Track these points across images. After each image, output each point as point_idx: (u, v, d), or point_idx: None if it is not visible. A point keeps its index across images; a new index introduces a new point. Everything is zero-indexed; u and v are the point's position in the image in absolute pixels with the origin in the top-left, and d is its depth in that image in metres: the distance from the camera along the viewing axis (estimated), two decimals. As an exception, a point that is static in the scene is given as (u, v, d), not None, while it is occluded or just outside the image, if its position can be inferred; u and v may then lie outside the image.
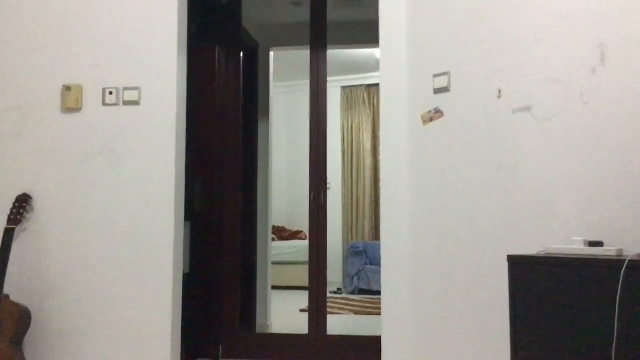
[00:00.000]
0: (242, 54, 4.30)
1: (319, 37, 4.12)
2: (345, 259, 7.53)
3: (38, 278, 3.16)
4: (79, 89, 3.22)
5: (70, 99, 3.21)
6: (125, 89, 3.19)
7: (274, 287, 7.16)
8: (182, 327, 3.27)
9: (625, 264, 1.94)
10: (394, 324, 2.99)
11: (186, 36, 3.32)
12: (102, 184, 3.17)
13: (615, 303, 1.94)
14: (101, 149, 3.19)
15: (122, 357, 3.08)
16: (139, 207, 3.14)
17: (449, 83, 2.90)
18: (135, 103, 3.18)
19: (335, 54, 7.39)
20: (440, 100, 2.93)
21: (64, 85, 3.23)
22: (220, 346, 3.94)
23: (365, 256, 7.36)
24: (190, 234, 3.90)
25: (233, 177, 4.10)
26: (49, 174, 3.21)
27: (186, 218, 3.63)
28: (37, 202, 3.20)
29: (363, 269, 7.24)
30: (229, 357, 3.95)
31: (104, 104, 3.20)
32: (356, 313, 5.90)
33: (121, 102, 3.20)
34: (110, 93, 3.19)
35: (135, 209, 3.14)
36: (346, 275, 7.41)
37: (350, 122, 8.62)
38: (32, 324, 3.11)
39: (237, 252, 4.06)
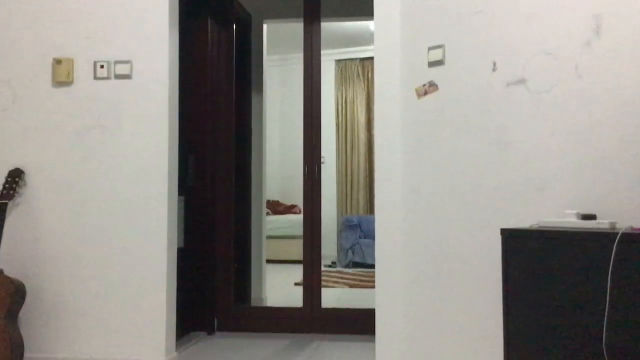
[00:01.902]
0: (234, 26, 4.24)
1: (312, 9, 4.07)
2: (340, 232, 7.56)
3: (32, 253, 3.15)
4: (70, 62, 3.18)
5: (61, 73, 3.17)
6: (116, 62, 3.15)
7: (269, 261, 7.20)
8: (177, 301, 3.28)
9: (618, 237, 1.95)
10: (388, 297, 3.01)
11: (178, 8, 3.27)
12: (95, 158, 3.15)
13: (608, 275, 1.96)
14: (93, 124, 3.16)
15: (116, 331, 3.10)
16: (132, 182, 3.12)
17: (444, 56, 2.87)
18: (127, 77, 3.15)
19: (329, 27, 7.33)
20: (435, 74, 2.91)
21: (54, 58, 3.19)
22: (215, 319, 3.97)
23: (359, 230, 7.39)
24: (184, 208, 3.89)
25: (226, 151, 4.08)
26: (41, 148, 3.18)
27: (180, 193, 3.62)
28: (30, 177, 3.18)
29: (357, 242, 7.27)
30: (223, 330, 3.98)
31: (95, 77, 3.17)
32: (350, 286, 5.94)
33: (113, 76, 3.16)
34: (102, 66, 3.16)
35: (128, 183, 3.13)
36: (340, 249, 7.45)
37: (344, 96, 8.58)
38: (26, 299, 3.12)
39: (231, 227, 4.07)
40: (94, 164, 3.15)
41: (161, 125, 3.12)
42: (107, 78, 3.16)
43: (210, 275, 3.95)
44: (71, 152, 3.17)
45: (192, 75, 3.93)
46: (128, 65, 3.14)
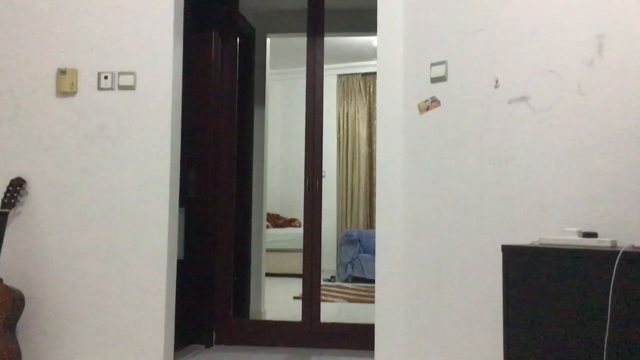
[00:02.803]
0: (238, 40, 4.27)
1: (316, 24, 4.09)
2: (340, 247, 7.54)
3: (32, 262, 3.15)
4: (74, 72, 3.20)
5: (65, 83, 3.19)
6: (120, 73, 3.17)
7: (268, 275, 7.19)
8: (175, 313, 3.27)
9: (619, 255, 1.95)
10: (387, 312, 3.00)
11: (182, 21, 3.30)
12: (97, 169, 3.16)
13: (609, 293, 1.95)
14: (96, 134, 3.17)
15: (115, 343, 3.09)
16: (133, 193, 3.13)
17: (446, 72, 2.89)
18: (131, 88, 3.16)
19: (331, 42, 7.37)
20: (437, 90, 2.92)
21: (58, 69, 3.21)
22: (214, 332, 3.95)
23: (359, 244, 7.38)
24: (185, 220, 3.89)
25: (227, 164, 4.09)
26: (43, 158, 3.19)
27: (180, 205, 3.62)
28: (32, 186, 3.19)
29: (357, 257, 7.26)
30: (222, 343, 3.96)
31: (99, 88, 3.18)
32: (350, 301, 5.92)
33: (116, 87, 3.17)
34: (106, 77, 3.17)
35: (129, 194, 3.13)
36: (340, 263, 7.43)
37: (346, 111, 8.60)
38: (25, 309, 3.11)
39: (231, 239, 4.06)
40: (95, 174, 3.15)
41: (163, 137, 3.13)
42: (111, 89, 3.17)
43: (210, 288, 3.94)
44: (73, 163, 3.17)
45: (195, 88, 3.95)
46: (132, 77, 3.16)
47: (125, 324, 3.09)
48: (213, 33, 3.99)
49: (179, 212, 3.52)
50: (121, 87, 3.17)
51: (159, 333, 3.06)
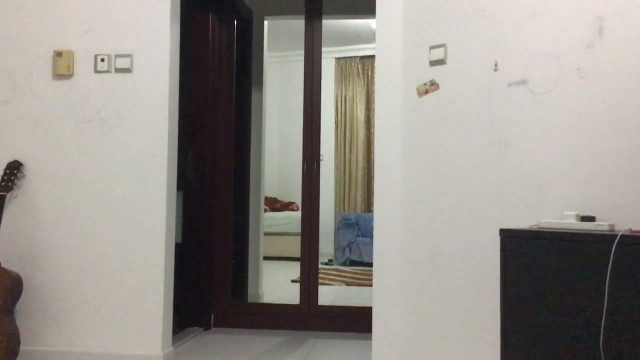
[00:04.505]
0: (235, 22, 4.23)
1: (314, 6, 4.06)
2: (337, 230, 7.56)
3: (29, 245, 3.15)
4: (70, 55, 3.17)
5: (62, 65, 3.16)
6: (117, 55, 3.14)
7: (266, 258, 7.21)
8: (174, 296, 3.28)
9: (617, 239, 1.95)
10: (385, 295, 3.01)
11: (179, 2, 3.26)
12: (94, 152, 3.14)
13: (606, 277, 1.96)
14: (92, 117, 3.15)
15: (113, 326, 3.10)
16: (131, 176, 3.12)
17: (446, 55, 2.87)
18: (127, 70, 3.14)
19: (329, 25, 7.31)
20: (436, 73, 2.91)
21: (54, 51, 3.18)
22: (212, 315, 3.97)
23: (357, 228, 7.40)
24: (183, 204, 3.89)
25: (225, 147, 4.08)
26: (40, 141, 3.17)
27: (179, 188, 3.62)
28: (28, 170, 3.17)
29: (355, 240, 7.28)
30: (220, 326, 3.98)
31: (96, 70, 3.16)
32: (347, 284, 5.94)
33: (113, 69, 3.15)
34: (102, 60, 3.15)
35: (127, 177, 3.12)
36: (338, 247, 7.45)
37: (344, 94, 8.57)
38: (23, 291, 3.11)
39: (229, 223, 4.07)
40: (93, 157, 3.14)
41: (161, 120, 3.11)
42: (108, 71, 3.15)
43: (208, 271, 3.95)
44: (70, 146, 3.16)
45: (193, 70, 3.92)
46: (128, 59, 3.13)
47: (124, 307, 3.09)
48: (211, 14, 3.96)
49: (177, 196, 3.52)
50: (118, 70, 3.14)
51: (157, 316, 3.07)
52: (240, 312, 4.01)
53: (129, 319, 3.09)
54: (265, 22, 4.91)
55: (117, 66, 3.14)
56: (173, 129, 3.19)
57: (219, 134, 4.05)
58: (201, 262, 3.92)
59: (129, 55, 3.14)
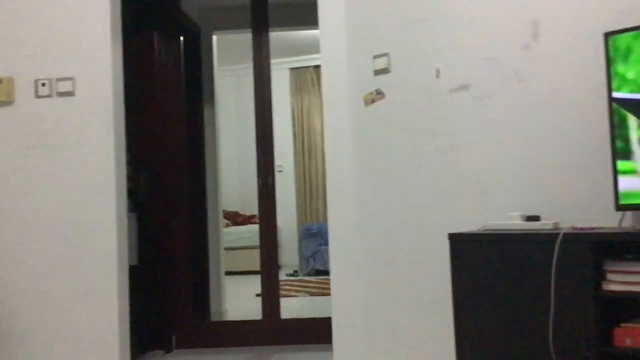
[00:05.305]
0: (182, 38, 4.20)
1: (260, 19, 4.06)
2: (301, 241, 7.54)
3: (-23, 279, 3.05)
4: (11, 81, 3.10)
5: (1, 92, 3.09)
6: (58, 79, 3.09)
7: (232, 273, 7.14)
8: (132, 321, 3.22)
9: (560, 237, 1.99)
10: (344, 304, 3.01)
11: (120, 23, 3.22)
12: (39, 178, 3.07)
13: (552, 275, 2.00)
14: (36, 143, 3.08)
15: (69, 354, 3.02)
16: (78, 201, 3.05)
17: (389, 64, 2.90)
18: (70, 94, 3.08)
19: (282, 36, 7.31)
20: (381, 82, 2.93)
21: (-7, 78, 3.11)
22: (173, 337, 3.90)
23: (320, 237, 7.38)
24: (137, 225, 3.83)
25: (178, 165, 4.03)
26: (-18, 170, 3.09)
27: (132, 210, 3.56)
28: (-28, 201, 3.08)
29: (318, 250, 7.26)
30: (182, 347, 3.92)
31: (37, 95, 3.09)
32: (312, 294, 5.93)
33: (55, 94, 3.09)
34: (43, 84, 3.09)
35: (74, 203, 3.06)
36: (302, 257, 7.43)
37: (300, 104, 8.59)
38: (-28, 327, 3.02)
39: (186, 240, 4.02)
40: (38, 183, 3.07)
41: (107, 142, 3.06)
42: (49, 96, 3.09)
43: (167, 292, 3.88)
44: (14, 173, 3.08)
45: (140, 89, 3.87)
46: (70, 82, 3.08)
47: (79, 334, 3.02)
48: (155, 33, 3.92)
49: (130, 218, 3.46)
50: (60, 94, 3.09)
51: (113, 341, 3.01)
52: (202, 331, 3.96)
53: (84, 346, 3.01)
54: (214, 37, 4.89)
55: (59, 90, 3.09)
56: (120, 151, 3.14)
57: (172, 152, 4.01)
58: (159, 283, 3.85)
59: (70, 79, 3.08)
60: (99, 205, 3.04)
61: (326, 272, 7.19)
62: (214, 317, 4.56)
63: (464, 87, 2.63)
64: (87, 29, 3.09)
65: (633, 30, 2.03)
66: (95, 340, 3.01)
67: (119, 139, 3.13)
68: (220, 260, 4.78)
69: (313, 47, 8.08)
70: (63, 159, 3.07)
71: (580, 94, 2.32)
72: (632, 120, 2.03)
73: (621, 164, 2.05)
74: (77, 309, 3.03)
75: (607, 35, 2.09)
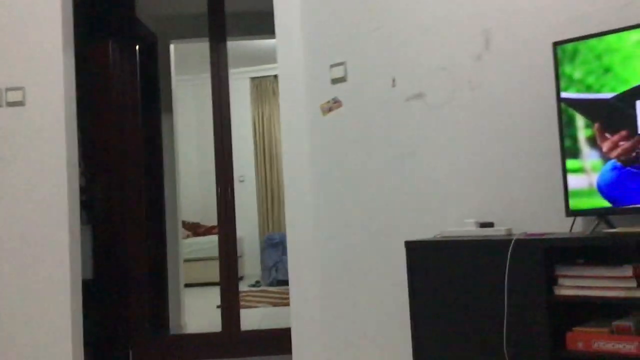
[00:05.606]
0: (138, 48, 4.15)
1: (217, 28, 4.04)
2: (263, 251, 7.49)
3: None
4: (-43, 91, 3.00)
5: (-53, 102, 2.99)
6: (7, 89, 3.00)
7: (192, 285, 7.04)
8: (87, 335, 3.13)
9: (512, 243, 2.02)
10: (303, 315, 2.99)
11: (72, 32, 3.16)
12: (-13, 191, 2.97)
13: (505, 280, 2.02)
14: (-16, 155, 2.99)
15: (20, 373, 2.92)
16: (29, 215, 2.97)
17: (346, 73, 2.91)
18: (20, 104, 3.00)
19: (242, 45, 7.28)
20: (338, 91, 2.94)
21: (-61, 88, 3.00)
22: (130, 352, 3.82)
23: (282, 247, 7.34)
24: (93, 238, 3.74)
25: (135, 176, 3.96)
26: None
27: (87, 222, 3.48)
28: None
29: (280, 260, 7.22)
30: (139, 362, 3.84)
31: (-15, 106, 3.00)
32: (274, 305, 5.89)
33: (4, 103, 3.01)
34: (-8, 94, 3.00)
35: (25, 217, 2.97)
36: (264, 267, 7.38)
37: (261, 113, 8.56)
38: None
39: (143, 253, 3.94)
40: (-13, 197, 2.97)
41: (58, 153, 2.98)
42: (-2, 106, 3.00)
43: (123, 306, 3.80)
44: (-39, 186, 2.98)
45: (95, 100, 3.80)
46: (20, 92, 3.00)
47: (29, 353, 2.92)
48: (110, 42, 3.86)
49: (85, 230, 3.38)
50: (9, 104, 3.00)
51: (66, 358, 2.92)
52: (161, 345, 3.88)
53: (36, 365, 2.92)
54: (172, 46, 4.83)
55: (9, 100, 3.00)
56: (73, 162, 3.07)
57: (128, 163, 3.93)
58: (116, 297, 3.77)
59: (20, 88, 3.00)
60: (51, 219, 2.96)
61: (288, 282, 7.15)
62: (173, 331, 4.48)
63: (419, 96, 2.65)
64: (37, 37, 3.02)
65: (579, 40, 2.09)
66: (49, 356, 2.92)
67: (71, 150, 3.06)
68: (180, 272, 4.70)
69: (274, 57, 8.06)
70: (13, 172, 2.98)
71: (531, 101, 2.36)
72: (579, 119, 2.08)
73: (570, 163, 2.10)
74: (29, 325, 2.93)
75: (556, 44, 2.14)
